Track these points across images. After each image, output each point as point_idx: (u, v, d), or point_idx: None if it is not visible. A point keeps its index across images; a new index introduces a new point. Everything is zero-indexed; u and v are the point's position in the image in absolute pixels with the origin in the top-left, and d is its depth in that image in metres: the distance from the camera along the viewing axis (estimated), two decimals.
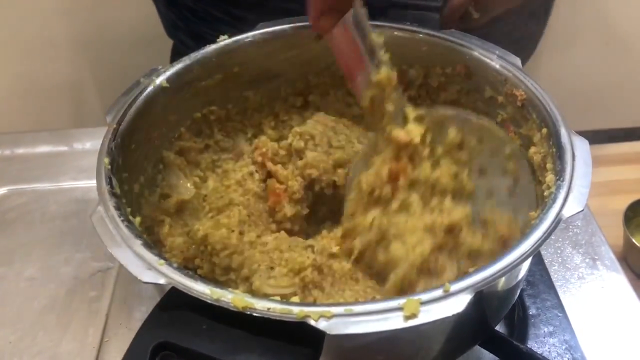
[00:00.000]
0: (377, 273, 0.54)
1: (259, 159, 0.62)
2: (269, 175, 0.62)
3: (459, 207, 0.55)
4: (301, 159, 0.61)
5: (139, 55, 1.48)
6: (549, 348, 0.60)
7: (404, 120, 0.57)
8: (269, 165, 0.61)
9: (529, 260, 0.53)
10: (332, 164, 0.60)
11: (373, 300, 0.44)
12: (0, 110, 1.56)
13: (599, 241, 0.72)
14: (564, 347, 0.60)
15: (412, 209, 0.55)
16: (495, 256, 0.44)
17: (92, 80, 1.60)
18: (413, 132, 0.56)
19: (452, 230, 0.53)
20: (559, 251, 0.71)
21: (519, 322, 0.62)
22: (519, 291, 0.58)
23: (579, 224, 0.74)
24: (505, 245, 0.53)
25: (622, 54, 1.77)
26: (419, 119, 0.57)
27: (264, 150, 0.62)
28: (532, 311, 0.64)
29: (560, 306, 0.64)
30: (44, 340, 0.64)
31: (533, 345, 0.61)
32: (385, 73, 0.56)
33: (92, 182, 0.79)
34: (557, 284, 0.67)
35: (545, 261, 0.69)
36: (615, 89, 1.83)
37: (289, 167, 0.62)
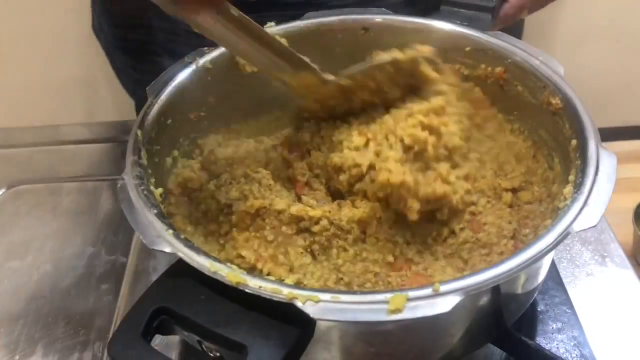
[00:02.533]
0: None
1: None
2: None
3: None
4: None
5: None
6: (557, 344, 0.60)
7: None
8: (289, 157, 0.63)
9: (547, 263, 0.53)
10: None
11: (362, 292, 0.44)
12: (14, 106, 1.58)
13: (608, 238, 0.70)
14: (572, 344, 0.60)
15: None
16: None
17: (104, 76, 1.61)
18: None
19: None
20: (567, 248, 0.70)
21: (527, 317, 0.62)
22: (537, 292, 0.58)
23: None
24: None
25: (633, 51, 1.74)
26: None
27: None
28: (540, 307, 0.63)
29: (568, 302, 0.63)
30: (57, 332, 0.65)
31: (541, 341, 0.60)
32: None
33: (104, 177, 0.82)
34: (565, 281, 0.66)
35: (554, 258, 0.68)
36: (626, 86, 1.80)
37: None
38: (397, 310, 0.40)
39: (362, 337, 0.48)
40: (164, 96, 0.59)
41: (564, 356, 0.58)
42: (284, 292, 0.41)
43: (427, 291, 0.41)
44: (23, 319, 0.67)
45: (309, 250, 0.57)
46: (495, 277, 0.42)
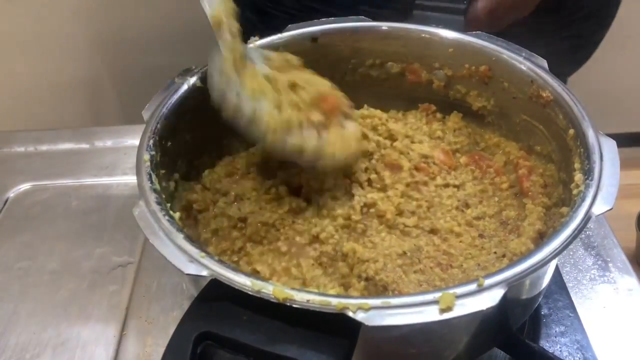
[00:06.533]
0: None
1: None
2: None
3: None
4: None
5: (156, 54, 1.50)
6: (560, 347, 0.61)
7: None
8: None
9: (552, 268, 0.55)
10: None
11: (409, 293, 0.45)
12: (22, 108, 1.58)
13: (611, 243, 0.72)
14: (575, 347, 0.61)
15: None
16: None
17: (110, 79, 1.63)
18: None
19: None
20: (570, 253, 0.71)
21: (531, 321, 0.63)
22: (541, 297, 0.58)
23: (591, 226, 0.74)
24: None
25: (637, 57, 1.77)
26: None
27: None
28: (544, 311, 0.64)
29: (572, 306, 0.65)
30: (66, 332, 0.66)
31: (544, 344, 0.61)
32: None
33: (113, 179, 0.85)
34: (568, 285, 0.67)
35: (557, 262, 0.69)
36: (629, 93, 1.82)
37: None
38: (448, 309, 0.41)
39: (375, 342, 0.48)
40: (162, 119, 0.58)
41: (567, 359, 0.60)
42: (333, 303, 0.41)
43: (472, 287, 0.42)
44: (32, 318, 0.67)
45: (319, 261, 0.57)
46: (534, 265, 0.43)
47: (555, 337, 0.62)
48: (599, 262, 0.70)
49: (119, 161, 0.87)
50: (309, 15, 0.71)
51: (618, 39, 1.69)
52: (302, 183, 0.59)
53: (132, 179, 0.81)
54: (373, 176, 0.60)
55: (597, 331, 0.63)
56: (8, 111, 1.56)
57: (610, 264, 0.70)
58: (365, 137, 0.63)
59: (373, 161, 0.61)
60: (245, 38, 0.65)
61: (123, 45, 1.55)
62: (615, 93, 1.78)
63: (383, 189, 0.59)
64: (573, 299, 0.66)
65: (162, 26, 1.50)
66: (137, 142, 0.56)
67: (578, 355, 0.61)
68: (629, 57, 1.75)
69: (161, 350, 0.63)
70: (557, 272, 0.68)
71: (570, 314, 0.64)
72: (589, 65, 1.63)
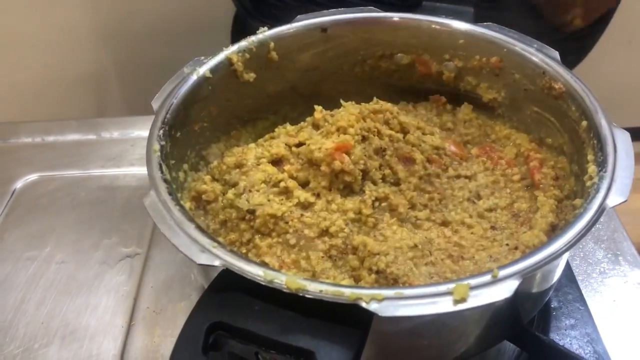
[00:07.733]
0: None
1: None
2: None
3: None
4: None
5: (162, 47, 1.50)
6: (570, 340, 0.61)
7: None
8: None
9: (567, 256, 0.55)
10: None
11: (423, 285, 0.44)
12: (28, 100, 1.58)
13: (621, 237, 0.72)
14: (585, 340, 0.61)
15: None
16: None
17: (115, 71, 1.62)
18: None
19: None
20: (580, 246, 0.71)
21: (541, 314, 0.63)
22: (552, 290, 0.58)
23: (601, 220, 0.73)
24: None
25: None
26: None
27: None
28: (554, 304, 0.64)
29: (582, 299, 0.65)
30: (74, 322, 0.66)
31: (555, 337, 0.61)
32: None
33: (120, 170, 0.85)
34: (578, 278, 0.67)
35: (568, 256, 0.69)
36: (637, 87, 1.81)
37: None
38: (462, 300, 0.40)
39: (388, 333, 0.48)
40: (171, 109, 0.58)
41: (577, 352, 0.60)
42: (346, 294, 0.41)
43: (487, 278, 0.42)
44: (41, 309, 0.67)
45: (328, 254, 0.57)
46: (549, 256, 0.43)
47: (566, 330, 0.62)
48: (609, 256, 0.70)
49: (126, 152, 0.87)
50: (305, 7, 0.71)
51: (627, 32, 1.69)
52: (309, 180, 0.59)
53: (139, 170, 0.83)
54: (387, 171, 0.60)
55: (607, 324, 0.63)
56: (14, 103, 1.56)
57: (620, 258, 0.70)
58: (377, 134, 0.62)
59: (387, 157, 0.60)
60: (240, 25, 0.65)
61: (128, 37, 1.55)
62: (625, 87, 1.77)
63: (396, 183, 0.59)
64: (583, 292, 0.66)
65: (167, 18, 1.49)
66: (143, 133, 0.55)
67: (588, 348, 0.60)
68: (637, 53, 1.74)
69: (170, 340, 0.64)
70: (567, 266, 0.68)
71: (581, 307, 0.64)
72: (598, 59, 1.63)
